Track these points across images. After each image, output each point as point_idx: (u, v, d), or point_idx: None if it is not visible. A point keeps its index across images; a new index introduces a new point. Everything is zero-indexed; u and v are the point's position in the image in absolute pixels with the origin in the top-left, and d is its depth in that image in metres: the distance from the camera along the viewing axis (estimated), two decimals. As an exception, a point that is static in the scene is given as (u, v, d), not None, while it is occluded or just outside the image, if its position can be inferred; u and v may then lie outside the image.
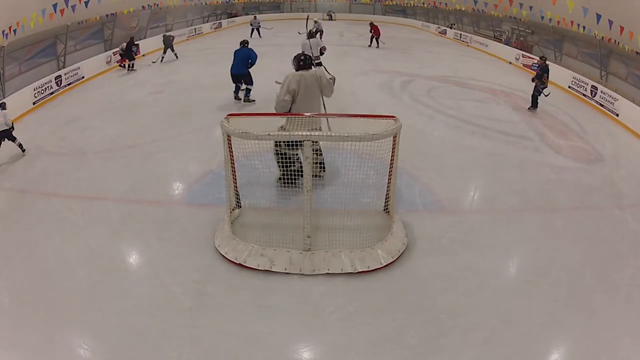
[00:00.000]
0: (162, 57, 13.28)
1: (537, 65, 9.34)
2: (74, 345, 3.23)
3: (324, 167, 5.32)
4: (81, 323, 3.40)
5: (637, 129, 8.08)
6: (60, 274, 3.94)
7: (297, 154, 4.78)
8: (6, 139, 6.39)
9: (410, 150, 5.96)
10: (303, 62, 5.08)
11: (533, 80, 9.03)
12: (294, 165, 4.71)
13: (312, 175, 4.80)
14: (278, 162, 4.88)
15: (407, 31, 22.23)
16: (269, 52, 14.25)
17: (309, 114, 4.47)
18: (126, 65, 12.31)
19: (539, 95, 8.93)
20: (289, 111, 4.88)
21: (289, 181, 4.53)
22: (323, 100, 5.30)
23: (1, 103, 7.00)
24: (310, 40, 8.77)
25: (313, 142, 4.37)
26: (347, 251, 4.05)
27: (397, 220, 4.53)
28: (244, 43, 8.76)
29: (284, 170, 4.84)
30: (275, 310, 3.57)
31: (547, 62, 8.97)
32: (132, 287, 3.81)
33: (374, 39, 16.42)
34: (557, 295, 3.79)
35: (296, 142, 4.23)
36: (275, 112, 4.97)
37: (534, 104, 9.04)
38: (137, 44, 13.12)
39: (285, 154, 4.65)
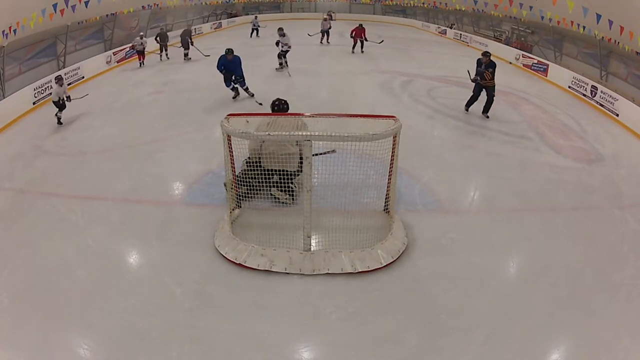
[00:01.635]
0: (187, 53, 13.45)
1: (483, 63, 7.80)
2: (74, 345, 3.23)
3: (293, 196, 4.93)
4: (81, 323, 3.40)
5: (637, 129, 8.08)
6: (60, 274, 3.94)
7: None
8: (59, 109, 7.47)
9: (410, 150, 5.95)
10: (277, 107, 5.19)
11: (474, 80, 8.02)
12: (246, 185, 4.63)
13: (281, 202, 4.84)
14: (243, 177, 4.69)
15: (407, 31, 22.20)
16: (269, 52, 14.24)
17: (308, 114, 4.46)
18: (163, 56, 13.39)
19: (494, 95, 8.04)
20: (258, 161, 4.70)
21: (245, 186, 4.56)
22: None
23: (57, 77, 7.58)
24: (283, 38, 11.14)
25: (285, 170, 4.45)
26: (347, 251, 4.05)
27: (397, 220, 4.53)
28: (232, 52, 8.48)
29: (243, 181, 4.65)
30: (275, 310, 3.57)
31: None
32: (132, 287, 3.81)
33: (357, 42, 14.77)
34: (557, 295, 3.79)
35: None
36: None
37: (488, 109, 8.17)
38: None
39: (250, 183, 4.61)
